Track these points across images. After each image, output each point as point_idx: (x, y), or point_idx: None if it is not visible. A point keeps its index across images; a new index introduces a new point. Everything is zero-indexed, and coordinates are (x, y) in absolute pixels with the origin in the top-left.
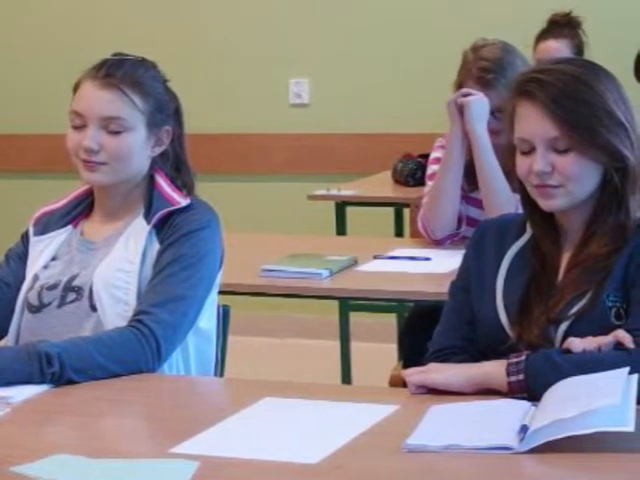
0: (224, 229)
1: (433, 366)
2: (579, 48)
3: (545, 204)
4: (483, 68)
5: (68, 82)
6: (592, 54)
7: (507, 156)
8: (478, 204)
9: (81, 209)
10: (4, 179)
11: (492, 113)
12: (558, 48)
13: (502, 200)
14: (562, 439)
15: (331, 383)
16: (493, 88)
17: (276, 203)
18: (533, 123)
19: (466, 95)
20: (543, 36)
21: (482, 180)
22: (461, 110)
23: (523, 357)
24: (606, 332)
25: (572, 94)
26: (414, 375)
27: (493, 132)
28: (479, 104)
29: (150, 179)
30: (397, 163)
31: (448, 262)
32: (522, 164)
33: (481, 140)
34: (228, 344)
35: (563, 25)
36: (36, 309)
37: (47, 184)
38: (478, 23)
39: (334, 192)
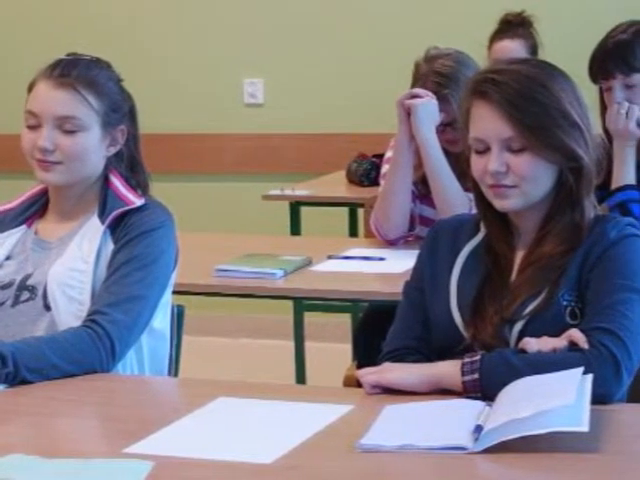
0: (178, 229)
1: (387, 366)
2: (534, 48)
3: (500, 204)
4: (438, 83)
5: (20, 82)
6: (547, 54)
7: (461, 158)
8: (432, 203)
9: (35, 209)
10: None
11: (449, 124)
12: (514, 48)
13: (454, 200)
14: (517, 439)
15: (285, 383)
16: (448, 103)
17: (230, 203)
18: (488, 123)
19: (415, 96)
20: (498, 36)
21: (433, 182)
22: (409, 111)
23: (478, 357)
24: (561, 331)
25: (527, 94)
26: (369, 375)
27: (450, 142)
28: (426, 107)
29: (105, 179)
30: (351, 163)
31: (402, 262)
32: (477, 164)
33: (428, 142)
34: (182, 344)
35: (517, 25)
36: None
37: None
38: (433, 23)
39: (288, 192)
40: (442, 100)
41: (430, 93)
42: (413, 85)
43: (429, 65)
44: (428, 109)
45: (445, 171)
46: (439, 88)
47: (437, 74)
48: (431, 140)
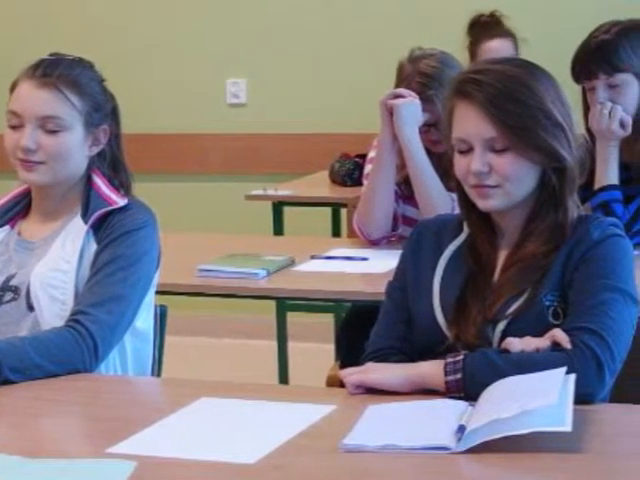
0: (161, 229)
1: (371, 366)
2: (516, 47)
3: (483, 204)
4: (422, 83)
5: (5, 82)
6: (529, 53)
7: (444, 158)
8: (415, 203)
9: (19, 209)
10: None
11: (433, 125)
12: (505, 46)
13: (437, 201)
14: (499, 439)
15: (268, 383)
16: (432, 103)
17: (213, 203)
18: (471, 123)
19: (398, 96)
20: (487, 35)
21: (415, 182)
22: (392, 111)
23: (461, 357)
24: (544, 331)
25: (510, 94)
26: (352, 375)
27: (434, 142)
28: (408, 107)
29: (87, 179)
30: (334, 163)
31: (385, 262)
32: (460, 164)
33: (411, 143)
34: (165, 344)
35: (497, 24)
36: None
37: None
38: (416, 23)
39: (271, 192)
40: (426, 101)
41: (413, 93)
42: (397, 85)
43: (413, 65)
44: (411, 109)
45: (428, 171)
46: (423, 89)
47: (421, 75)
48: (414, 140)
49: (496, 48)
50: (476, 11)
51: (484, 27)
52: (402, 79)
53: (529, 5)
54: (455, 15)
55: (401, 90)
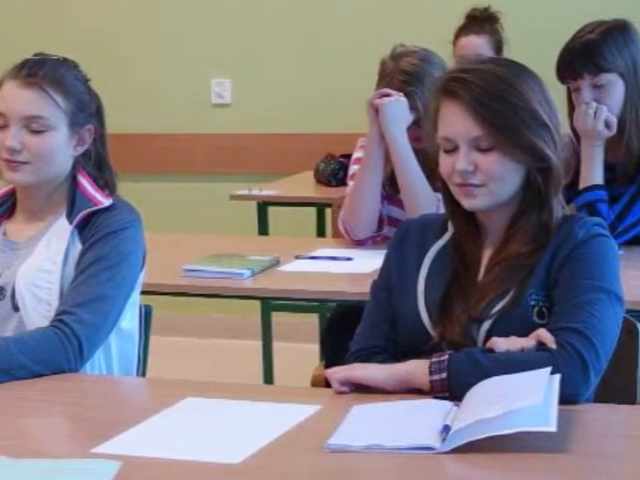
0: (146, 229)
1: (356, 365)
2: (499, 44)
3: (467, 203)
4: (403, 81)
5: None
6: (514, 53)
7: (430, 157)
8: (400, 204)
9: (4, 209)
10: None
11: (414, 122)
12: (479, 43)
13: (423, 200)
14: (484, 439)
15: (253, 383)
16: (413, 100)
17: (198, 203)
18: (456, 122)
19: (386, 95)
20: (464, 31)
21: (401, 181)
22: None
23: (446, 356)
24: (529, 331)
25: (496, 94)
26: (338, 372)
27: (415, 139)
28: (394, 106)
29: (72, 179)
30: (319, 163)
31: (370, 262)
32: (445, 163)
33: (397, 142)
34: (150, 344)
35: (483, 20)
36: None
37: None
38: (398, 22)
39: (256, 192)
40: (407, 98)
41: (400, 93)
42: (379, 82)
43: (395, 63)
44: (397, 108)
45: (414, 169)
46: (404, 86)
47: (403, 72)
48: (400, 139)
49: (469, 45)
50: (466, 8)
51: (471, 22)
52: (384, 76)
53: (514, 3)
54: (442, 14)
55: (387, 90)
